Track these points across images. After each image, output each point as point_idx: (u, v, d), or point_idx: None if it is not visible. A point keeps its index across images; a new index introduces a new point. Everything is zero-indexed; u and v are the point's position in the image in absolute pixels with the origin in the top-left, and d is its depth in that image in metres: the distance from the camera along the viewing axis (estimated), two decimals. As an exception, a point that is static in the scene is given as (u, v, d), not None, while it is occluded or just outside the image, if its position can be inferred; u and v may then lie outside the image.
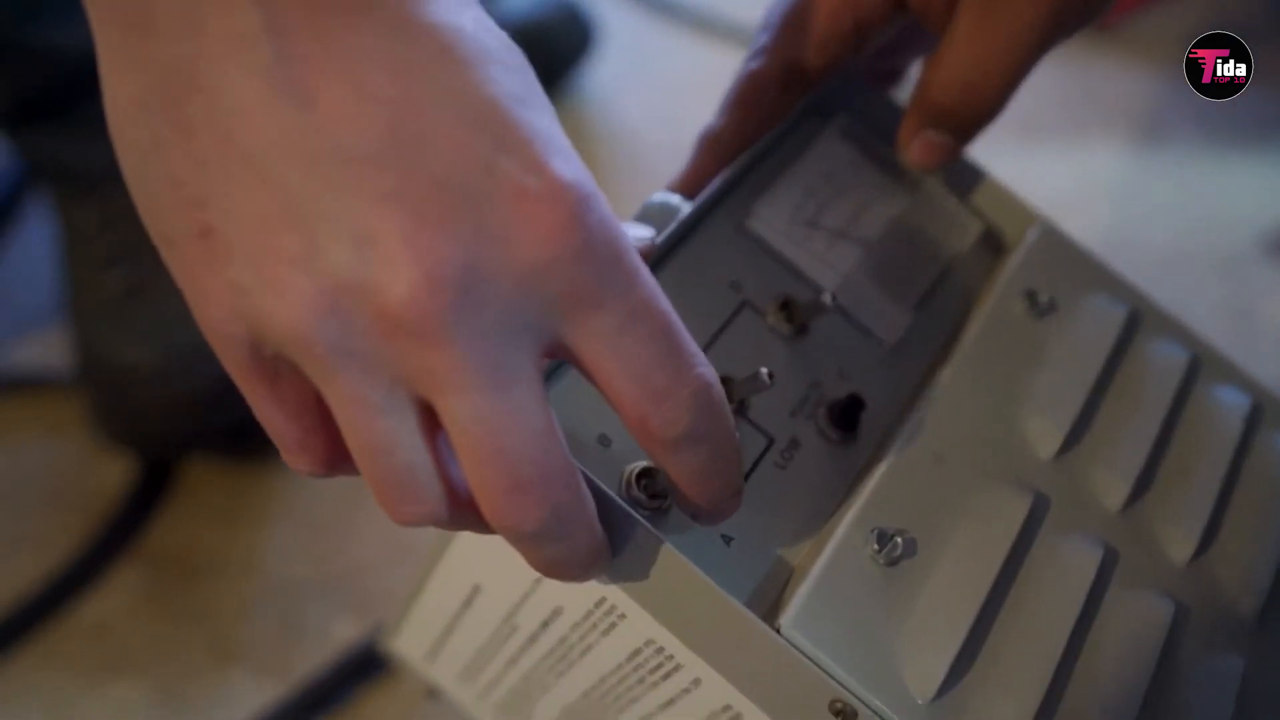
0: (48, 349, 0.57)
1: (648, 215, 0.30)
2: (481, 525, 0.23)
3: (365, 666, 0.48)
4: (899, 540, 0.27)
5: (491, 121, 0.20)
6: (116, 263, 0.51)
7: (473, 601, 0.35)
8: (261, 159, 0.19)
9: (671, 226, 0.29)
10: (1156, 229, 0.70)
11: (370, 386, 0.20)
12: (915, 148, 0.33)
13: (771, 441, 0.29)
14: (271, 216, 0.20)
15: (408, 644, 0.41)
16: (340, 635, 0.50)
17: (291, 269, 0.19)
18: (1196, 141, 0.75)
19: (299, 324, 0.20)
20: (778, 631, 0.25)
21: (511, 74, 0.21)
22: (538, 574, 0.31)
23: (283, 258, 0.20)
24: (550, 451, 0.21)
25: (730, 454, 0.24)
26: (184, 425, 0.51)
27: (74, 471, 0.54)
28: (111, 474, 0.54)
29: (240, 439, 0.54)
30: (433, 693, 0.45)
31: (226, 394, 0.49)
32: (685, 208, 0.30)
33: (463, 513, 0.22)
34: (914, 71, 0.38)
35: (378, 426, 0.21)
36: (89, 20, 0.21)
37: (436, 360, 0.20)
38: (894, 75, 0.38)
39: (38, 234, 0.62)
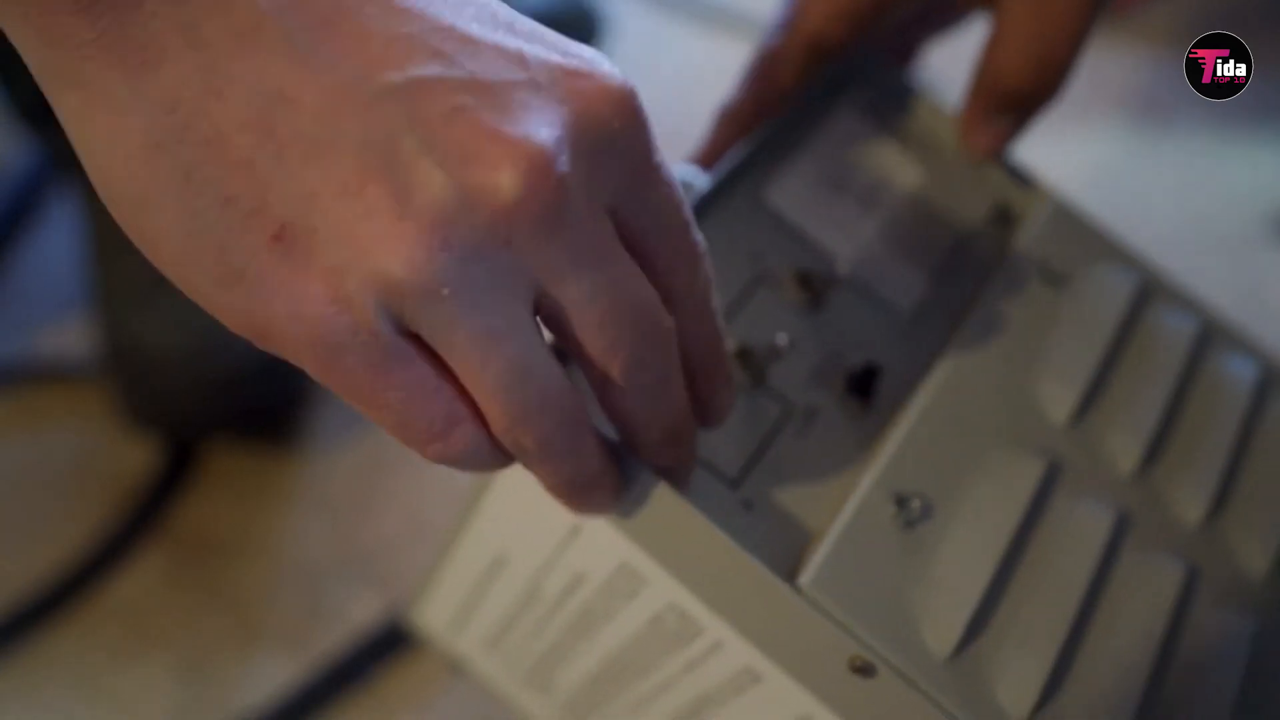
0: (72, 338, 0.58)
1: None
2: (586, 434, 0.23)
3: (386, 644, 0.49)
4: (916, 503, 0.27)
5: (501, 20, 0.20)
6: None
7: (496, 571, 0.35)
8: (317, 128, 0.18)
9: (689, 199, 0.30)
10: (1163, 212, 0.70)
11: (494, 312, 0.20)
12: (986, 137, 0.33)
13: (790, 410, 0.29)
14: (349, 178, 0.18)
15: (430, 616, 0.41)
16: (361, 614, 0.50)
17: (389, 218, 0.19)
18: (1202, 126, 0.75)
19: (418, 268, 0.19)
20: (798, 591, 0.26)
21: None
22: (561, 540, 0.31)
23: (375, 212, 0.19)
24: (660, 306, 0.22)
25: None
26: (209, 408, 0.51)
27: (100, 456, 0.54)
28: (136, 457, 0.54)
29: (263, 422, 0.54)
30: (454, 667, 0.45)
31: (250, 377, 0.51)
32: (703, 180, 0.31)
33: (587, 424, 0.23)
34: (930, 50, 0.38)
35: (511, 351, 0.20)
36: (64, 90, 0.19)
37: (560, 243, 0.20)
38: (909, 52, 0.38)
39: (59, 226, 0.62)
